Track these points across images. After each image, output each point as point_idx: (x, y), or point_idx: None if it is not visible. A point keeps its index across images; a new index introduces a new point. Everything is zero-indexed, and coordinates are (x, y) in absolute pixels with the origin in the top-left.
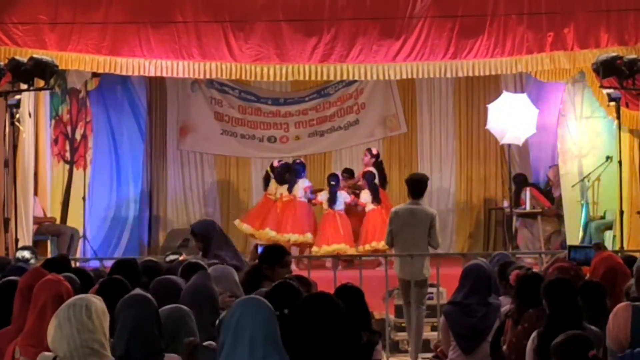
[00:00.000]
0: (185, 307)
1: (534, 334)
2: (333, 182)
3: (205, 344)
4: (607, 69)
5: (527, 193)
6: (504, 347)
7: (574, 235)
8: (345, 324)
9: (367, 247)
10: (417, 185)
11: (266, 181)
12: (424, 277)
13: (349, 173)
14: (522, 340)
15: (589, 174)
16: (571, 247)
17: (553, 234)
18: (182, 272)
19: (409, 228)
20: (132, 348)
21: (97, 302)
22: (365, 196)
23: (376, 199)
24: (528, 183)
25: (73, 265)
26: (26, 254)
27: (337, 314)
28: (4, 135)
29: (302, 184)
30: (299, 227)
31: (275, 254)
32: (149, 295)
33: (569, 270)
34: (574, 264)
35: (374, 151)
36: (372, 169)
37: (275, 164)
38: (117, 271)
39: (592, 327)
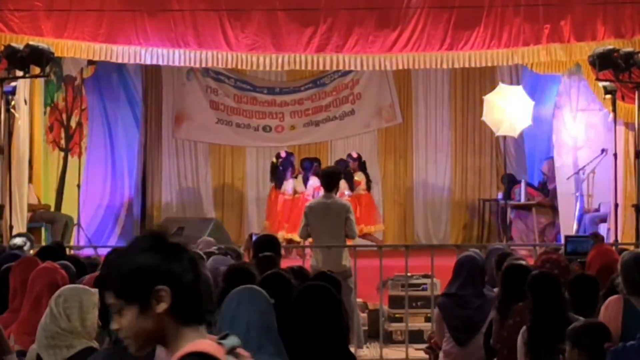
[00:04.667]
0: None
1: (523, 328)
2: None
3: None
4: (603, 62)
5: (522, 185)
6: (492, 341)
7: (568, 227)
8: (340, 314)
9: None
10: (329, 179)
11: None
12: (345, 268)
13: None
14: (514, 335)
15: (584, 166)
16: (568, 238)
17: (547, 226)
18: None
19: (325, 221)
20: None
21: (83, 293)
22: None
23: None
24: (517, 182)
25: (67, 253)
26: (20, 241)
27: (334, 305)
28: None
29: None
30: None
31: (269, 243)
32: None
33: (559, 263)
34: (562, 255)
35: (354, 154)
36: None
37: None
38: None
39: (580, 318)
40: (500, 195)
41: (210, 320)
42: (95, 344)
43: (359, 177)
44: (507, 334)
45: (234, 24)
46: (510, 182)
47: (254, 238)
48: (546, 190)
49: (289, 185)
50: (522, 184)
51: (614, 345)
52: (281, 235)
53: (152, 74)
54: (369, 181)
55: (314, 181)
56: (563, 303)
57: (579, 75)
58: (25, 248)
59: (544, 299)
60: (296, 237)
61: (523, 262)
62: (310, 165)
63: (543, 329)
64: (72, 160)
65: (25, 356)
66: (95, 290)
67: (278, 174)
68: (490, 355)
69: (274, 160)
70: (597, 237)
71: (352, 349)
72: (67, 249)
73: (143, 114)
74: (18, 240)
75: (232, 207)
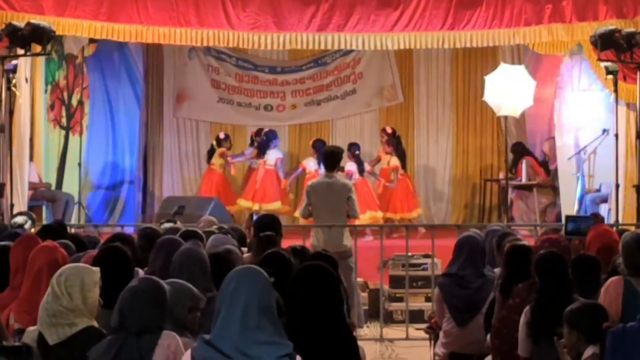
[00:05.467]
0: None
1: (527, 308)
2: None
3: None
4: (605, 42)
5: (525, 163)
6: (493, 321)
7: (569, 207)
8: (339, 293)
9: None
10: (331, 158)
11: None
12: (345, 248)
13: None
14: (514, 315)
15: (585, 146)
16: (568, 218)
17: (548, 206)
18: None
19: (327, 200)
20: (128, 320)
21: (85, 271)
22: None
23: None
24: (526, 152)
25: (68, 231)
26: (22, 219)
27: (333, 284)
28: (0, 101)
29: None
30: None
31: (269, 222)
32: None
33: (558, 242)
34: (562, 235)
35: (389, 129)
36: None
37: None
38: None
39: (588, 301)
40: (501, 175)
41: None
42: (95, 323)
43: (394, 161)
44: (506, 314)
45: (235, 2)
46: (518, 153)
47: (254, 217)
48: (547, 170)
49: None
50: (524, 164)
51: (614, 326)
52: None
53: (153, 52)
54: (403, 162)
55: (276, 154)
56: (569, 284)
57: (580, 56)
58: (27, 227)
59: (550, 280)
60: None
61: (526, 243)
62: (322, 146)
63: (547, 309)
64: (73, 139)
65: (24, 334)
66: (97, 269)
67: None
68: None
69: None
70: (597, 218)
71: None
72: (68, 228)
73: (144, 92)
74: (19, 219)
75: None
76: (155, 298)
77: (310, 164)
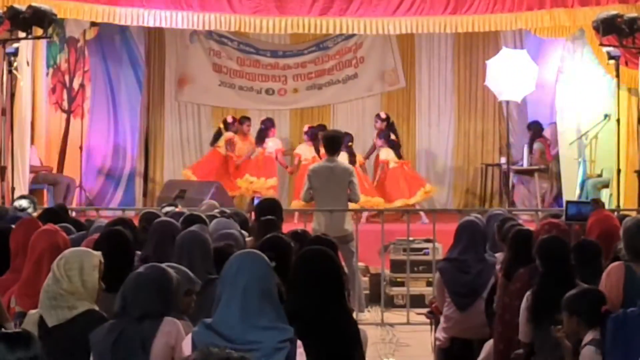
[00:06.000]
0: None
1: (528, 293)
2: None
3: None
4: (607, 27)
5: (537, 145)
6: (496, 307)
7: (570, 192)
8: (339, 278)
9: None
10: (332, 142)
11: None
12: (346, 233)
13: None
14: (515, 300)
15: (587, 131)
16: (569, 203)
17: (550, 191)
18: (182, 223)
19: (329, 184)
20: (130, 305)
21: (85, 255)
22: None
23: (397, 154)
24: (542, 133)
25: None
26: (24, 202)
27: (334, 269)
28: (2, 84)
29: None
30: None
31: (270, 206)
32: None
33: (559, 227)
34: (563, 221)
35: (383, 115)
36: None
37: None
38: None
39: (586, 286)
40: (503, 160)
41: (211, 280)
42: (96, 307)
43: (385, 155)
44: (508, 300)
45: None
46: (536, 130)
47: (256, 201)
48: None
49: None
50: (525, 149)
51: (615, 311)
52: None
53: (155, 36)
54: (397, 151)
55: (275, 143)
56: (571, 269)
57: (582, 40)
58: (30, 210)
59: (552, 264)
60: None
61: (530, 228)
62: (316, 132)
63: (548, 294)
64: (75, 122)
65: (26, 318)
66: (98, 253)
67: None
68: (492, 321)
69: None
70: (597, 203)
71: (354, 313)
72: (69, 211)
73: (146, 76)
74: (24, 202)
75: None
76: (159, 285)
77: (305, 152)
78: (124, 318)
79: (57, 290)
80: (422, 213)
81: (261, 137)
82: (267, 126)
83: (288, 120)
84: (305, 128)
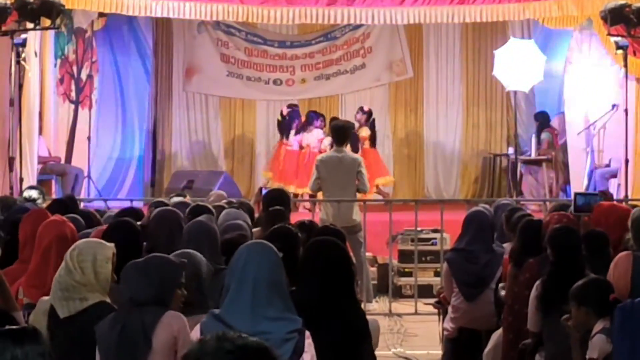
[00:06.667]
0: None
1: (537, 282)
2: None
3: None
4: (615, 17)
5: (544, 135)
6: (503, 293)
7: (578, 183)
8: (348, 268)
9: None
10: (340, 132)
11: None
12: (354, 223)
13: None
14: (525, 290)
15: (595, 121)
16: (577, 194)
17: (558, 181)
18: (189, 214)
19: (337, 174)
20: (128, 293)
21: (98, 247)
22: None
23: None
24: (549, 123)
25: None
26: (34, 193)
27: (343, 259)
28: (10, 75)
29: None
30: None
31: (278, 197)
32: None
33: (567, 217)
34: (571, 213)
35: (365, 108)
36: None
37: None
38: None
39: (593, 276)
40: (511, 150)
41: (219, 270)
42: (108, 299)
43: (364, 132)
44: (518, 290)
45: None
46: (543, 121)
47: (263, 192)
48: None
49: (293, 137)
50: (533, 139)
51: (622, 300)
52: (292, 189)
53: (163, 26)
54: (374, 137)
55: (318, 133)
56: (582, 260)
57: (590, 30)
58: (39, 202)
59: (563, 254)
60: (305, 191)
61: (540, 218)
62: (315, 117)
63: (558, 283)
64: (83, 113)
65: (34, 308)
66: (111, 245)
67: (284, 125)
68: (500, 311)
69: (279, 118)
70: (605, 195)
71: (362, 304)
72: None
73: (154, 66)
74: (34, 193)
75: (242, 161)
76: (155, 274)
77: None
78: (124, 308)
79: (69, 281)
80: None
81: (286, 130)
82: (313, 118)
83: None
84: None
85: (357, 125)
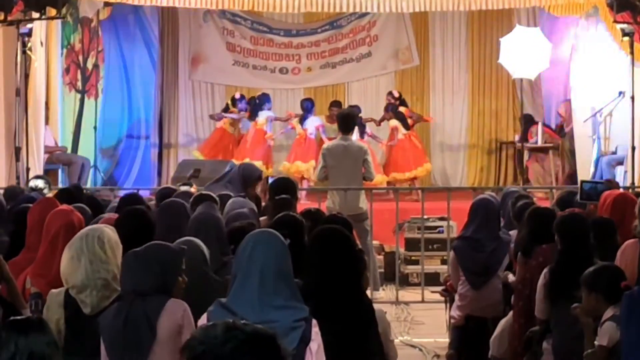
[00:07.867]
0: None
1: (545, 270)
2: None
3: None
4: (621, 4)
5: (539, 128)
6: (515, 283)
7: (585, 170)
8: (355, 257)
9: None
10: (346, 121)
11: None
12: (361, 211)
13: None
14: (536, 276)
15: (601, 109)
16: (583, 182)
17: (564, 169)
18: (193, 203)
19: (343, 163)
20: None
21: (110, 232)
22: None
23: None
24: (534, 122)
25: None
26: (40, 183)
27: (350, 248)
28: (16, 64)
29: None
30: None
31: (285, 185)
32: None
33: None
34: (578, 200)
35: (396, 93)
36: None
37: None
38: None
39: (604, 262)
40: (517, 138)
41: (225, 261)
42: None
43: (393, 123)
44: (529, 275)
45: None
46: (527, 122)
47: (270, 181)
48: (562, 132)
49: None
50: (539, 126)
51: (631, 284)
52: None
53: (168, 15)
54: (405, 123)
55: (315, 120)
56: (591, 247)
57: (596, 18)
58: (45, 191)
59: (572, 241)
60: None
61: (549, 207)
62: (311, 106)
63: (566, 271)
64: (89, 102)
65: (40, 297)
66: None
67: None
68: (509, 297)
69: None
70: (611, 184)
71: (368, 292)
72: (84, 191)
73: (160, 55)
74: (40, 183)
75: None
76: (155, 262)
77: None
78: (126, 298)
79: (105, 275)
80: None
81: (255, 111)
82: (263, 101)
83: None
84: None
85: (384, 114)
